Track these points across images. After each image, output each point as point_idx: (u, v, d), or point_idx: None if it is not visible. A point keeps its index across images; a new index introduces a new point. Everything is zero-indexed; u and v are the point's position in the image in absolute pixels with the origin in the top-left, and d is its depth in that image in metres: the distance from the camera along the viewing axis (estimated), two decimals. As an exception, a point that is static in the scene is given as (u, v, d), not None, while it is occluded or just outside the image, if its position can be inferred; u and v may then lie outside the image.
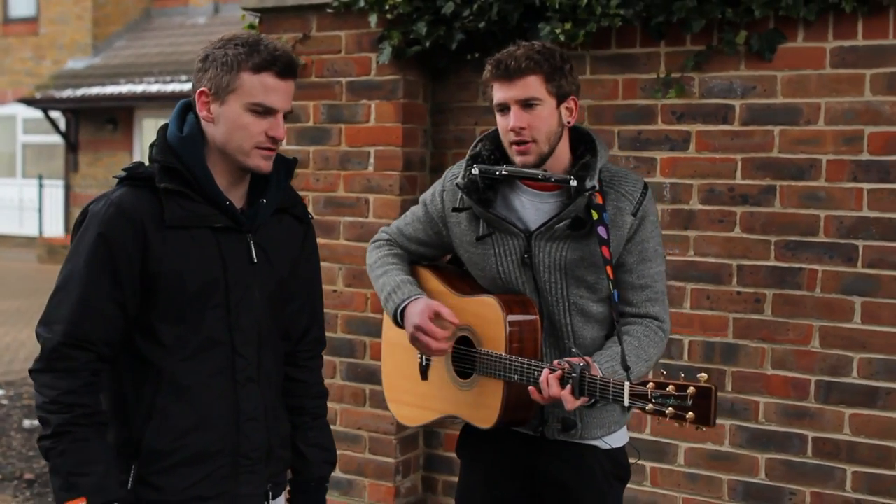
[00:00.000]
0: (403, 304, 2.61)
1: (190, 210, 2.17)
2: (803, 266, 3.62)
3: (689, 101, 3.76)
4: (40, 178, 19.24)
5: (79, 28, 19.20)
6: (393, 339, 2.83)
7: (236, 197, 2.25)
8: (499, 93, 2.47)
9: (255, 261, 2.25)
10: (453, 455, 4.29)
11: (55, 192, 19.18)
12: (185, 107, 2.27)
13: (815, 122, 3.57)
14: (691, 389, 2.14)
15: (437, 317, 2.55)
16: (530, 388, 2.39)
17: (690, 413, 2.13)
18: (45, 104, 17.93)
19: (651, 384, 2.19)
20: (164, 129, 2.25)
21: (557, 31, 3.74)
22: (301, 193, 4.27)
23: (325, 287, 4.26)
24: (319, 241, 4.23)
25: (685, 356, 3.81)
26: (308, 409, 2.47)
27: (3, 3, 20.25)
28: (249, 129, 2.16)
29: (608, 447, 2.62)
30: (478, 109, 4.19)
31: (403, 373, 2.82)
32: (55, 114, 18.44)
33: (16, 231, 19.70)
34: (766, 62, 3.62)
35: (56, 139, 19.17)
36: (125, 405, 2.19)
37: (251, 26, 4.34)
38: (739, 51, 3.65)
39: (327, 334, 4.23)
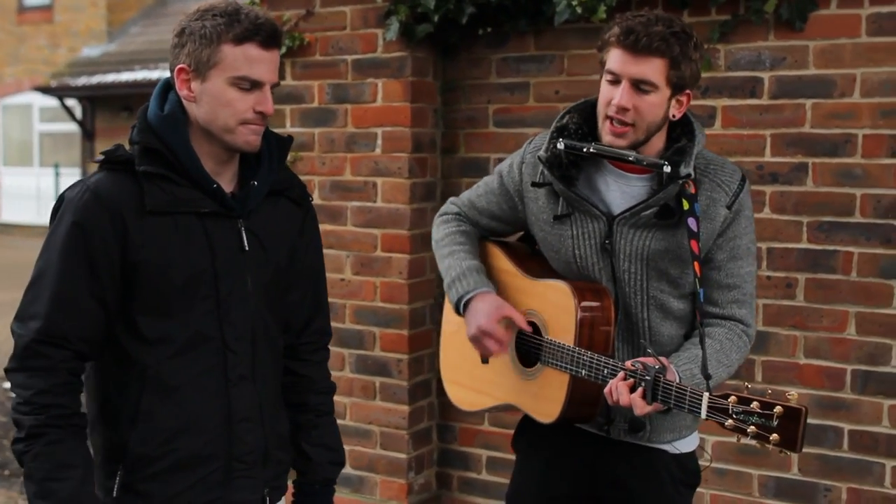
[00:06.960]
0: (469, 296, 2.47)
1: (173, 194, 2.02)
2: (838, 248, 3.43)
3: (714, 75, 3.56)
4: (57, 166, 19.25)
5: (93, 15, 19.23)
6: (455, 318, 2.63)
7: (225, 180, 2.10)
8: (615, 61, 2.24)
9: (247, 248, 2.10)
10: (469, 450, 4.16)
11: (72, 180, 18.98)
12: (166, 85, 2.11)
13: (849, 95, 3.38)
14: (778, 409, 1.95)
15: (505, 321, 2.42)
16: (606, 389, 2.23)
17: (775, 435, 1.96)
18: (60, 92, 17.92)
19: (733, 398, 2.01)
20: (144, 109, 2.10)
21: (574, 3, 3.54)
22: (306, 178, 4.12)
23: (333, 276, 4.11)
24: (326, 227, 4.14)
25: (712, 345, 3.63)
26: (312, 405, 2.32)
27: (18, -8, 20.27)
28: (235, 106, 2.01)
29: (677, 452, 2.45)
30: (490, 87, 4.00)
31: (463, 354, 2.64)
32: (71, 102, 18.44)
33: (33, 220, 19.70)
34: (797, 31, 3.42)
35: (72, 127, 19.15)
36: (110, 407, 2.06)
37: (252, 3, 4.16)
38: (768, 20, 3.45)
39: (335, 325, 4.11)
